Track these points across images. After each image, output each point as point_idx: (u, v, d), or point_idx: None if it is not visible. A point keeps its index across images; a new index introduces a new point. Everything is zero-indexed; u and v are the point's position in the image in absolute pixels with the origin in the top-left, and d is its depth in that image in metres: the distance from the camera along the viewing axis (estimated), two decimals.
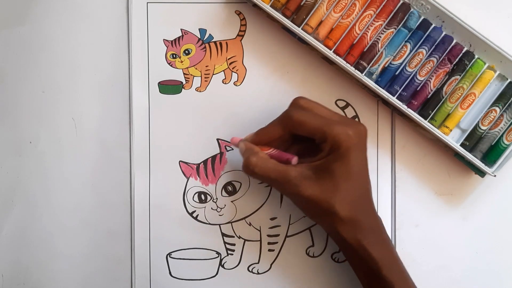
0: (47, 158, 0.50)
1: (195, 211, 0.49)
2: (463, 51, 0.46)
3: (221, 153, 0.49)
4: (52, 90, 0.50)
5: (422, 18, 0.46)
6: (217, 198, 0.49)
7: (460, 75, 0.46)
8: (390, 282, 0.41)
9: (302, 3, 0.46)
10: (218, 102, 0.49)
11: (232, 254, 0.50)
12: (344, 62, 0.46)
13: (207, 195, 0.49)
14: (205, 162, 0.49)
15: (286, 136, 0.43)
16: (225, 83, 0.49)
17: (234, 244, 0.50)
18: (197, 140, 0.49)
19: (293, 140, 0.44)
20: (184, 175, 0.49)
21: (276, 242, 0.49)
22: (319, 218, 0.44)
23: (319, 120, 0.41)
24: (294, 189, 0.41)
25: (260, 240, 0.49)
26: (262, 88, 0.49)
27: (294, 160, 0.43)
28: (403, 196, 0.49)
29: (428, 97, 0.46)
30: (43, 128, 0.50)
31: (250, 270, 0.50)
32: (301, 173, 0.41)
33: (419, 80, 0.46)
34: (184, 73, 0.49)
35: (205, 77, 0.49)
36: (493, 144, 0.46)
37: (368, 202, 0.43)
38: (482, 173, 0.46)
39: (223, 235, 0.50)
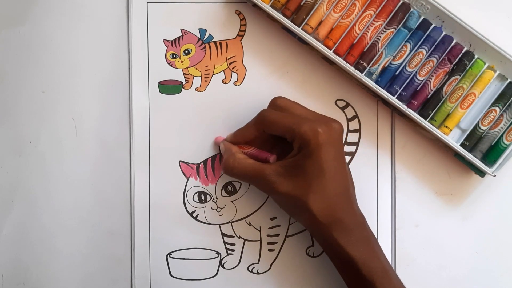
0: (47, 158, 0.50)
1: (195, 211, 0.49)
2: (463, 51, 0.46)
3: (221, 153, 0.49)
4: (52, 90, 0.50)
5: (422, 18, 0.46)
6: (217, 198, 0.49)
7: (460, 75, 0.46)
8: (371, 282, 0.41)
9: (302, 3, 0.46)
10: (218, 102, 0.49)
11: (232, 254, 0.50)
12: (344, 62, 0.46)
13: (207, 195, 0.49)
14: (205, 162, 0.49)
15: (263, 136, 0.45)
16: (225, 83, 0.49)
17: (234, 244, 0.50)
18: (197, 140, 0.49)
19: (275, 140, 0.45)
20: (184, 175, 0.49)
21: (276, 242, 0.49)
22: (297, 216, 0.45)
23: (290, 119, 0.42)
24: (269, 186, 0.42)
25: (260, 240, 0.49)
26: (262, 88, 0.49)
27: (272, 158, 0.44)
28: (403, 196, 0.49)
29: (428, 97, 0.46)
30: (43, 128, 0.50)
31: (250, 270, 0.50)
32: (275, 171, 0.42)
33: (419, 80, 0.46)
34: (184, 73, 0.49)
35: (205, 77, 0.49)
36: (493, 144, 0.46)
37: (347, 200, 0.43)
38: (482, 173, 0.46)
39: (223, 235, 0.50)
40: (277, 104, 0.44)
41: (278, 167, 0.42)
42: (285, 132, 0.42)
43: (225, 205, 0.49)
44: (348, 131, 0.49)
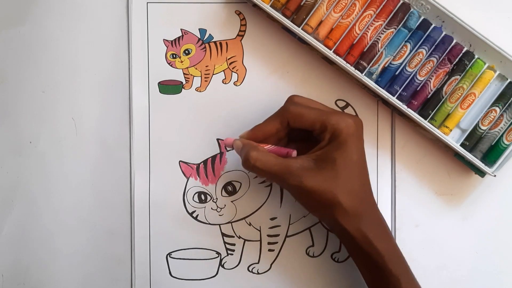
0: (47, 158, 0.50)
1: (195, 211, 0.49)
2: (463, 51, 0.46)
3: (221, 153, 0.49)
4: (52, 90, 0.50)
5: (422, 18, 0.46)
6: (217, 198, 0.49)
7: (460, 75, 0.46)
8: (396, 276, 0.40)
9: (302, 3, 0.46)
10: (218, 102, 0.49)
11: (232, 254, 0.50)
12: (344, 62, 0.46)
13: (207, 195, 0.49)
14: (205, 162, 0.49)
15: (282, 133, 0.43)
16: (225, 83, 0.49)
17: (234, 244, 0.50)
18: (197, 140, 0.49)
19: (288, 138, 0.45)
20: (184, 175, 0.49)
21: (276, 242, 0.49)
22: (321, 211, 0.43)
23: (316, 112, 0.42)
24: (296, 181, 0.40)
25: (260, 240, 0.50)
26: (262, 88, 0.49)
27: (294, 153, 0.42)
28: (403, 196, 0.49)
29: (428, 97, 0.46)
30: (43, 128, 0.50)
31: (250, 270, 0.50)
32: (302, 165, 0.41)
33: (419, 80, 0.46)
34: (184, 73, 0.49)
35: (205, 77, 0.49)
36: (493, 144, 0.46)
37: (369, 194, 0.43)
38: (482, 173, 0.46)
39: (223, 235, 0.50)
40: (295, 100, 0.44)
41: (305, 161, 0.41)
42: (313, 124, 0.41)
43: (225, 205, 0.49)
44: None
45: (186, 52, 0.49)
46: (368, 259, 0.42)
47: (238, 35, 0.49)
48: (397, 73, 0.46)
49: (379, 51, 0.46)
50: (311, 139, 0.44)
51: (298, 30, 0.46)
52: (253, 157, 0.41)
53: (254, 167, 0.41)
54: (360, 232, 0.41)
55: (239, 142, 0.43)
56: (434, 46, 0.46)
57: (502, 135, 0.45)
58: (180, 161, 0.49)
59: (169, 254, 0.50)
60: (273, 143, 0.44)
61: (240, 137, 0.44)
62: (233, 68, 0.49)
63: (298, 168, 0.41)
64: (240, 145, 0.43)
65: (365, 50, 0.46)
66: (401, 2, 0.46)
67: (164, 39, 0.49)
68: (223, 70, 0.49)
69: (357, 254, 0.43)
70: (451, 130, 0.46)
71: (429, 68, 0.46)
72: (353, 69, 0.46)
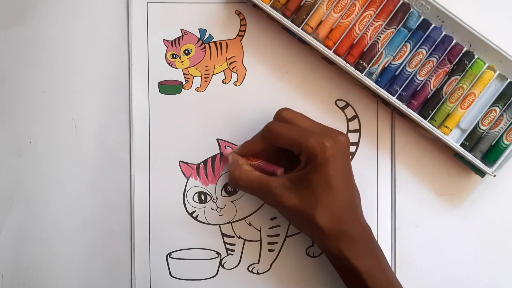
0: (47, 158, 0.50)
1: (195, 211, 0.49)
2: (463, 51, 0.46)
3: (221, 153, 0.49)
4: (52, 90, 0.50)
5: (422, 18, 0.46)
6: (217, 198, 0.49)
7: (460, 75, 0.46)
8: None
9: (302, 3, 0.46)
10: (218, 102, 0.49)
11: (232, 254, 0.50)
12: (344, 62, 0.46)
13: (207, 195, 0.49)
14: (205, 162, 0.49)
15: (270, 149, 0.44)
16: (225, 83, 0.49)
17: (234, 244, 0.50)
18: (197, 140, 0.49)
19: (282, 153, 0.45)
20: (184, 175, 0.49)
21: (276, 242, 0.49)
22: (303, 229, 0.45)
23: (296, 132, 0.42)
24: (275, 200, 0.42)
25: (260, 240, 0.49)
26: (262, 88, 0.49)
27: (280, 171, 0.44)
28: (403, 196, 0.49)
29: (428, 97, 0.46)
30: (43, 128, 0.50)
31: (250, 270, 0.50)
32: (282, 184, 0.42)
33: (419, 80, 0.46)
34: (184, 73, 0.49)
35: (205, 77, 0.49)
36: (493, 144, 0.46)
37: (353, 212, 0.43)
38: (482, 173, 0.46)
39: (223, 235, 0.50)
40: (282, 116, 0.44)
41: (285, 181, 0.42)
42: (291, 145, 0.42)
43: (225, 205, 0.49)
44: (348, 131, 0.49)
45: (186, 52, 0.49)
46: (349, 276, 0.42)
47: (238, 35, 0.49)
48: (397, 73, 0.46)
49: (379, 51, 0.46)
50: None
51: (298, 30, 0.46)
52: (235, 176, 0.44)
53: (237, 185, 0.44)
54: (338, 251, 0.42)
55: (230, 157, 0.47)
56: (434, 46, 0.46)
57: (502, 135, 0.45)
58: (180, 161, 0.49)
59: (169, 254, 0.50)
60: (265, 157, 0.45)
61: (233, 151, 0.47)
62: (233, 68, 0.49)
63: (277, 187, 0.42)
64: (230, 160, 0.46)
65: (365, 50, 0.46)
66: (401, 2, 0.46)
67: (164, 39, 0.49)
68: (223, 70, 0.49)
69: (338, 270, 0.44)
70: (451, 130, 0.46)
71: (429, 68, 0.46)
72: (353, 69, 0.46)
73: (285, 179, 0.42)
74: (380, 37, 0.46)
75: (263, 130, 0.44)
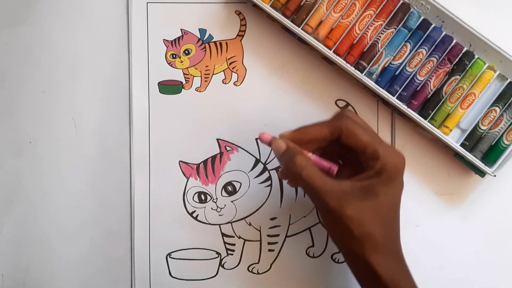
0: (47, 158, 0.50)
1: (195, 211, 0.49)
2: (463, 51, 0.46)
3: (221, 153, 0.49)
4: (52, 90, 0.50)
5: (422, 18, 0.46)
6: (217, 198, 0.49)
7: (460, 75, 0.46)
8: None
9: (302, 3, 0.46)
10: (218, 102, 0.49)
11: (232, 254, 0.50)
12: (344, 62, 0.46)
13: (207, 195, 0.49)
14: (205, 162, 0.49)
15: (324, 143, 0.41)
16: (225, 83, 0.49)
17: (234, 244, 0.50)
18: (197, 140, 0.49)
19: (333, 151, 0.42)
20: (184, 175, 0.49)
21: (276, 242, 0.49)
22: (346, 240, 0.39)
23: (370, 136, 0.39)
24: (335, 205, 0.38)
25: (260, 240, 0.49)
26: (262, 88, 0.49)
27: (335, 170, 0.40)
28: (403, 196, 0.49)
29: (428, 97, 0.46)
30: (43, 128, 0.50)
31: (250, 270, 0.50)
32: (346, 190, 0.38)
33: (419, 80, 0.46)
34: (184, 73, 0.49)
35: (205, 77, 0.49)
36: (493, 144, 0.46)
37: (397, 235, 0.41)
38: (482, 173, 0.46)
39: (223, 235, 0.50)
40: (349, 116, 0.40)
41: (349, 187, 0.38)
42: (365, 148, 0.39)
43: (225, 205, 0.49)
44: None
45: (186, 52, 0.49)
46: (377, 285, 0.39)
47: (238, 35, 0.49)
48: (397, 73, 0.46)
49: (379, 51, 0.46)
50: (348, 159, 0.42)
51: (298, 30, 0.46)
52: (300, 165, 0.38)
53: (299, 175, 0.38)
54: (384, 269, 0.38)
55: (281, 143, 0.40)
56: (434, 46, 0.46)
57: (502, 135, 0.45)
58: (180, 161, 0.49)
59: (169, 254, 0.50)
60: (310, 150, 0.41)
61: (281, 136, 0.41)
62: (233, 68, 0.49)
63: (341, 192, 0.38)
64: (282, 147, 0.40)
65: (365, 50, 0.46)
66: (401, 2, 0.46)
67: (164, 39, 0.49)
68: (223, 70, 0.49)
69: (365, 281, 0.40)
70: (451, 130, 0.46)
71: (429, 68, 0.46)
72: (353, 69, 0.46)
73: (349, 185, 0.38)
74: (380, 37, 0.46)
75: (332, 121, 0.40)
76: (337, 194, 0.38)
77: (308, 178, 0.38)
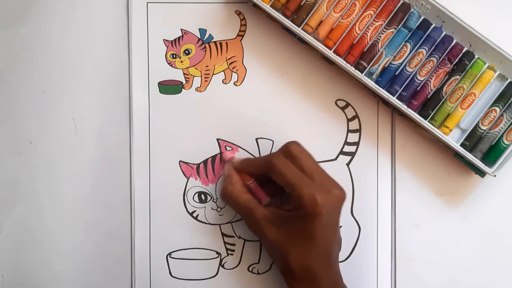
0: (47, 158, 0.50)
1: (195, 211, 0.49)
2: (463, 51, 0.46)
3: (221, 153, 0.49)
4: (52, 90, 0.50)
5: (422, 18, 0.46)
6: (217, 198, 0.49)
7: (460, 75, 0.46)
8: None
9: (302, 3, 0.46)
10: (218, 102, 0.49)
11: (232, 254, 0.50)
12: (344, 62, 0.46)
13: (207, 195, 0.49)
14: (205, 162, 0.49)
15: (267, 175, 0.44)
16: (225, 83, 0.49)
17: (234, 244, 0.50)
18: (197, 140, 0.49)
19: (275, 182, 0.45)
20: (184, 175, 0.49)
21: None
22: (276, 263, 0.45)
23: (295, 177, 0.42)
24: (257, 229, 0.44)
25: (260, 240, 0.49)
26: (262, 88, 0.49)
27: (265, 201, 0.45)
28: (403, 196, 0.49)
29: (428, 97, 0.46)
30: (43, 128, 0.50)
31: (250, 270, 0.50)
32: (267, 216, 0.43)
33: (419, 80, 0.46)
34: (184, 73, 0.49)
35: (205, 77, 0.49)
36: (493, 144, 0.46)
37: (327, 260, 0.43)
38: (482, 173, 0.46)
39: (223, 235, 0.50)
40: (290, 150, 0.43)
41: (270, 214, 0.43)
42: (286, 187, 0.42)
43: (225, 205, 0.49)
44: (348, 131, 0.49)
45: (186, 52, 0.49)
46: None
47: (238, 35, 0.49)
48: (397, 73, 0.46)
49: (379, 51, 0.46)
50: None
51: (298, 30, 0.46)
52: (227, 192, 0.45)
53: (226, 201, 0.46)
54: None
55: (226, 169, 0.47)
56: (434, 46, 0.46)
57: (502, 135, 0.45)
58: (180, 161, 0.49)
59: (169, 254, 0.50)
60: (259, 179, 0.46)
61: (233, 162, 0.47)
62: (233, 68, 0.49)
63: (261, 218, 0.43)
64: (226, 173, 0.47)
65: (365, 50, 0.46)
66: (401, 2, 0.46)
67: (164, 39, 0.49)
68: (223, 70, 0.49)
69: None
70: (451, 130, 0.46)
71: (429, 68, 0.46)
72: (353, 69, 0.46)
73: (271, 212, 0.43)
74: (380, 37, 0.46)
75: (266, 162, 0.44)
76: (259, 219, 0.43)
77: (234, 204, 0.46)
